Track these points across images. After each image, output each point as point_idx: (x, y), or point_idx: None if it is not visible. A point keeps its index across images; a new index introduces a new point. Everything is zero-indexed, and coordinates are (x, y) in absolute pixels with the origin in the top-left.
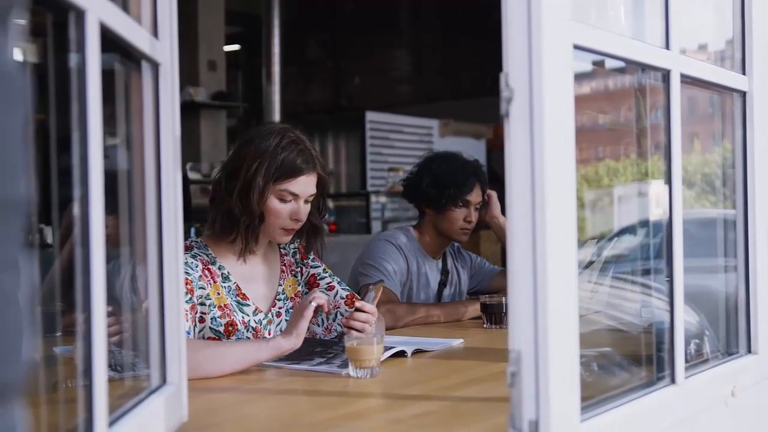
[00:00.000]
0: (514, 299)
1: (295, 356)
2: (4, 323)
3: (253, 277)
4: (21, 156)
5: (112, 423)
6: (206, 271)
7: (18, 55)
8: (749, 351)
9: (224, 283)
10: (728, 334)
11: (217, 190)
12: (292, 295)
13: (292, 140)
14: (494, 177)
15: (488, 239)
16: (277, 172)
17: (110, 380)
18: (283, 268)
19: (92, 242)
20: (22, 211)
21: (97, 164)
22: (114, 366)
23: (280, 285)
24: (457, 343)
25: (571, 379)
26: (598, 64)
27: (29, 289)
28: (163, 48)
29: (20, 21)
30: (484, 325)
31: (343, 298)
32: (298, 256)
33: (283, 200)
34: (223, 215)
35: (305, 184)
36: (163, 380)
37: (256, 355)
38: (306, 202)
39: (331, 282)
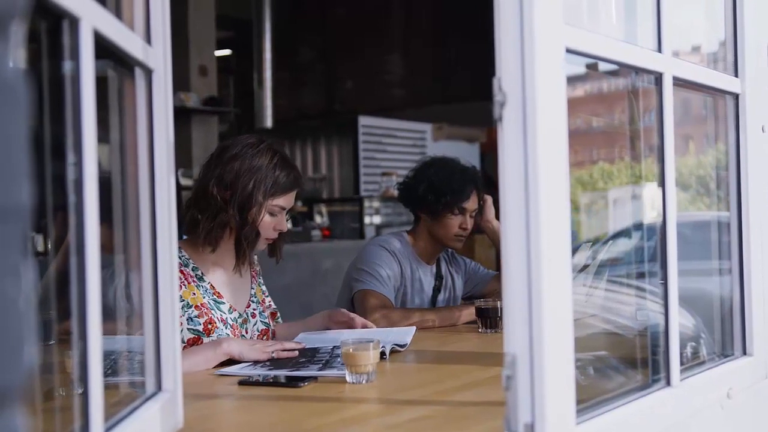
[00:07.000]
0: (509, 302)
1: (292, 366)
2: (5, 329)
3: (227, 280)
4: (23, 163)
5: (107, 430)
6: (179, 273)
7: (18, 62)
8: (744, 353)
9: (200, 283)
10: (723, 336)
11: (206, 199)
12: (261, 300)
13: (282, 158)
14: (488, 181)
15: (483, 243)
16: (273, 189)
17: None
18: (254, 274)
19: (87, 249)
20: (24, 217)
21: (92, 171)
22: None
23: (252, 288)
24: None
25: (566, 381)
26: (591, 67)
27: (30, 295)
28: (156, 54)
29: (21, 28)
30: (479, 330)
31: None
32: (258, 268)
33: (272, 214)
34: (218, 226)
35: (293, 199)
36: (159, 387)
37: (206, 364)
38: (287, 213)
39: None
